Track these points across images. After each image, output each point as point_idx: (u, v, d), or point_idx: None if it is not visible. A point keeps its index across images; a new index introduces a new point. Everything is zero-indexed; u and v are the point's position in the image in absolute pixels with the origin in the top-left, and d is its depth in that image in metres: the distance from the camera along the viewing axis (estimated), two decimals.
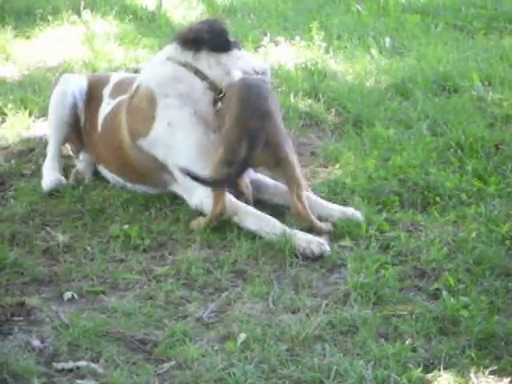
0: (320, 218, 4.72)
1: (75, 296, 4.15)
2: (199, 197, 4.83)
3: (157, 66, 5.17)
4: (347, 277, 4.20)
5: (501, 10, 9.02)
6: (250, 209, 4.71)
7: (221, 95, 4.90)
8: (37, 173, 5.51)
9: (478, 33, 8.43)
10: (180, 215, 4.89)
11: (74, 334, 3.77)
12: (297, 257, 4.43)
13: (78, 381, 3.51)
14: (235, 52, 5.06)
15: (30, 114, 6.37)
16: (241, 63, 5.02)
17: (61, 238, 4.69)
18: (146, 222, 4.86)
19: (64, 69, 7.29)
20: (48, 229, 4.84)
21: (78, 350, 3.70)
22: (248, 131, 4.51)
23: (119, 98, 5.33)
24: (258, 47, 7.74)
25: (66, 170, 5.54)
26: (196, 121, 4.95)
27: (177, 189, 5.03)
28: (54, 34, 8.53)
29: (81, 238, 4.72)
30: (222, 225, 4.70)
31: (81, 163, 5.58)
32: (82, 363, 3.60)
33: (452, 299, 3.94)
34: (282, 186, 4.93)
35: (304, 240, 4.47)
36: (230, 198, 4.72)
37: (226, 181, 4.61)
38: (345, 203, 4.93)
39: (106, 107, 5.40)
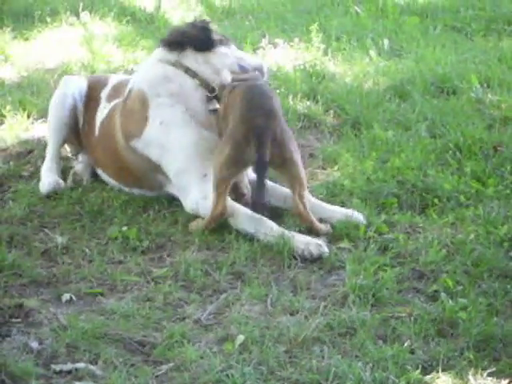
0: (321, 221, 4.72)
1: (73, 298, 4.15)
2: (195, 198, 4.83)
3: (147, 68, 5.20)
4: (345, 279, 4.20)
5: (499, 12, 9.01)
6: (247, 211, 4.70)
7: (214, 94, 4.92)
8: (35, 174, 5.50)
9: (476, 35, 8.43)
10: (178, 217, 4.89)
11: (73, 335, 3.77)
12: (295, 259, 4.43)
13: (77, 382, 3.51)
14: (221, 50, 5.07)
15: (29, 116, 6.36)
16: (229, 61, 5.03)
17: (59, 239, 4.69)
18: (144, 223, 4.86)
19: (62, 70, 7.29)
20: (46, 230, 4.84)
21: (77, 352, 3.70)
22: (255, 129, 4.51)
23: (114, 102, 5.34)
24: (256, 49, 7.74)
25: (64, 171, 5.54)
26: (188, 118, 4.96)
27: (172, 190, 5.03)
28: (52, 36, 8.52)
29: (79, 240, 4.72)
30: (221, 227, 4.69)
31: (79, 165, 5.58)
32: (81, 365, 3.60)
33: (450, 301, 3.94)
34: (280, 188, 4.93)
35: (302, 242, 4.47)
36: (227, 199, 4.71)
37: (261, 191, 4.54)
38: (343, 205, 4.93)
39: (102, 111, 5.41)
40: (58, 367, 3.59)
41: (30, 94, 6.80)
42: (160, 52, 5.15)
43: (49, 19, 8.81)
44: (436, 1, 9.57)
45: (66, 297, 4.14)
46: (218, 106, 4.90)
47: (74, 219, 4.96)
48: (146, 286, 4.26)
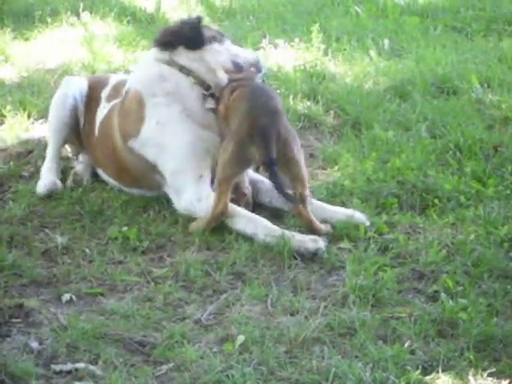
0: (322, 222, 4.72)
1: (74, 298, 4.15)
2: (189, 199, 4.82)
3: (143, 68, 5.21)
4: (346, 279, 4.20)
5: (499, 12, 9.01)
6: (246, 213, 4.70)
7: (209, 91, 4.93)
8: (35, 175, 5.50)
9: (476, 35, 8.43)
10: (178, 217, 4.88)
11: (73, 335, 3.77)
12: (295, 259, 4.43)
13: (77, 383, 3.51)
14: (214, 46, 5.06)
15: (29, 116, 6.36)
16: (223, 58, 5.03)
17: (59, 239, 4.69)
18: (144, 223, 4.86)
19: (63, 71, 7.29)
20: (47, 231, 4.84)
21: (77, 352, 3.70)
22: (259, 129, 4.51)
23: (113, 102, 5.35)
24: (257, 49, 7.73)
25: (65, 171, 5.55)
26: (185, 118, 4.95)
27: (167, 190, 5.02)
28: (52, 36, 8.52)
29: (79, 240, 4.72)
30: (221, 227, 4.69)
31: (80, 165, 5.58)
32: (81, 365, 3.60)
33: (450, 301, 3.95)
34: None
35: (298, 239, 4.48)
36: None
37: (281, 187, 4.56)
38: (344, 205, 4.93)
39: (102, 111, 5.41)
40: (58, 367, 3.59)
41: (30, 94, 6.80)
42: (154, 52, 5.15)
43: (49, 19, 8.81)
44: (436, 1, 9.57)
45: (66, 297, 4.15)
46: (214, 103, 4.90)
47: (74, 219, 4.96)
48: (146, 286, 4.26)
